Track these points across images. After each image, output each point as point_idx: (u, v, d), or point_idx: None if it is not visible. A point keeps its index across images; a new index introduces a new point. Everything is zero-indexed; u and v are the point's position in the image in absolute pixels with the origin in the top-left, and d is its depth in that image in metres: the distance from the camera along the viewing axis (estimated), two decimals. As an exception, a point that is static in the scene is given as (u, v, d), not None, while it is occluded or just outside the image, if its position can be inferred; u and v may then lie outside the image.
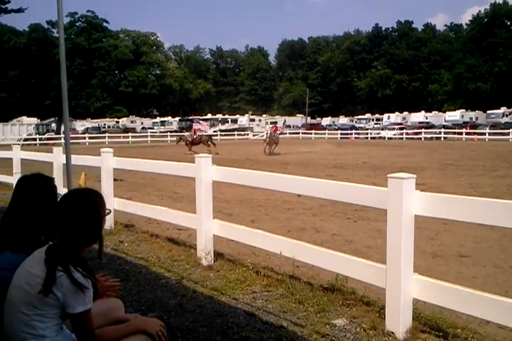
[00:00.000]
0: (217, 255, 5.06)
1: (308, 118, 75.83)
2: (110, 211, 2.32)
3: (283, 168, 17.08)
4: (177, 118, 70.92)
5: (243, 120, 65.89)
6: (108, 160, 6.67)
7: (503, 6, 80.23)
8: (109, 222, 6.40)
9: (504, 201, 3.02)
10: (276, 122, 68.11)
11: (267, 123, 67.12)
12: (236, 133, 54.48)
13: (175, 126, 65.34)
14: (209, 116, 69.70)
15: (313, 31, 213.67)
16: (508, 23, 77.79)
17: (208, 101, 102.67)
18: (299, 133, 57.29)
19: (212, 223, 5.00)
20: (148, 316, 3.41)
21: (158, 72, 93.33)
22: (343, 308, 3.66)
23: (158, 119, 72.95)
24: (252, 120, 65.77)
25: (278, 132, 30.74)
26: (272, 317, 3.53)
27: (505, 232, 5.96)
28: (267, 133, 30.73)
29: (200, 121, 32.33)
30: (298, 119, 72.61)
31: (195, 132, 27.58)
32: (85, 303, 1.92)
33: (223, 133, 53.88)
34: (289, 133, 57.49)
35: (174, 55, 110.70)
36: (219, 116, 69.33)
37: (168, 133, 51.61)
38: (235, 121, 66.04)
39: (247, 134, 55.62)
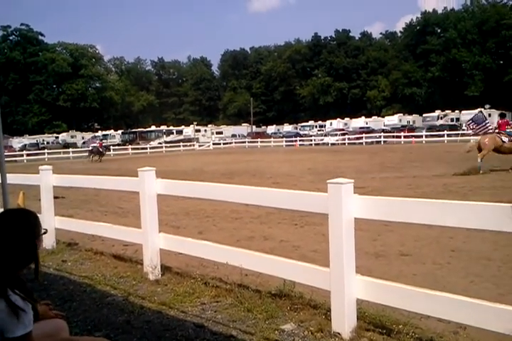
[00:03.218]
0: (165, 269, 5.01)
1: (254, 126, 76.53)
2: (46, 230, 2.27)
3: (230, 177, 17.12)
4: (120, 131, 69.58)
5: (188, 131, 65.61)
6: (47, 178, 6.46)
7: (433, 14, 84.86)
8: (50, 241, 6.19)
9: (434, 200, 3.20)
10: (221, 132, 68.65)
11: (212, 133, 67.25)
12: (182, 144, 54.08)
13: (118, 140, 64.05)
14: (153, 127, 68.92)
15: (255, 41, 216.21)
16: (439, 30, 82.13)
17: (151, 112, 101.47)
18: (244, 142, 57.66)
19: (159, 237, 4.96)
20: (95, 335, 3.34)
21: (98, 85, 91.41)
22: (291, 313, 3.72)
23: (100, 133, 71.24)
24: (198, 130, 65.61)
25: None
26: (221, 327, 3.55)
27: (442, 230, 6.24)
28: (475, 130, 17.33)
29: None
30: (243, 128, 73.09)
31: (101, 145, 38.70)
32: (25, 326, 1.87)
33: (168, 145, 53.36)
34: (235, 143, 57.84)
35: (115, 67, 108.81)
36: (163, 127, 68.66)
37: (111, 147, 50.54)
38: (180, 132, 65.63)
39: (193, 145, 55.39)
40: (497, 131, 16.56)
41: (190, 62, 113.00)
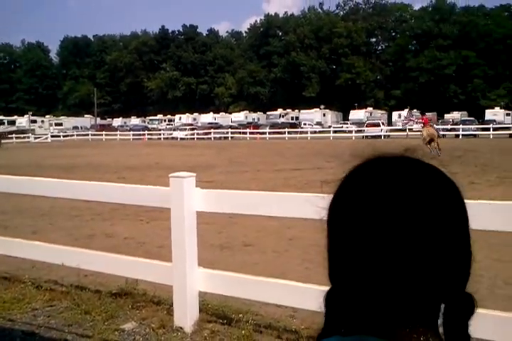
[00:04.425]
0: (-11, 274, 4.48)
1: (98, 119, 72.74)
2: None
3: (71, 172, 16.00)
4: None
5: (22, 121, 59.69)
6: None
7: (275, 17, 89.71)
8: None
9: (261, 192, 3.37)
10: (61, 123, 63.72)
11: (51, 124, 62.22)
12: (14, 136, 48.89)
13: None
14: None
15: (98, 29, 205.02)
16: (280, 33, 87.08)
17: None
18: (88, 134, 54.47)
19: (-21, 239, 4.41)
20: None
21: None
22: (132, 311, 3.61)
23: None
24: (34, 121, 60.05)
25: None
26: (54, 333, 3.29)
27: (284, 221, 6.61)
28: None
29: None
30: (86, 120, 69.03)
31: None
32: None
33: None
34: (77, 135, 54.34)
35: None
36: (-8, 117, 61.44)
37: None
38: (12, 123, 59.35)
39: (28, 137, 50.55)
40: (424, 125, 21.59)
41: (24, 47, 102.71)
